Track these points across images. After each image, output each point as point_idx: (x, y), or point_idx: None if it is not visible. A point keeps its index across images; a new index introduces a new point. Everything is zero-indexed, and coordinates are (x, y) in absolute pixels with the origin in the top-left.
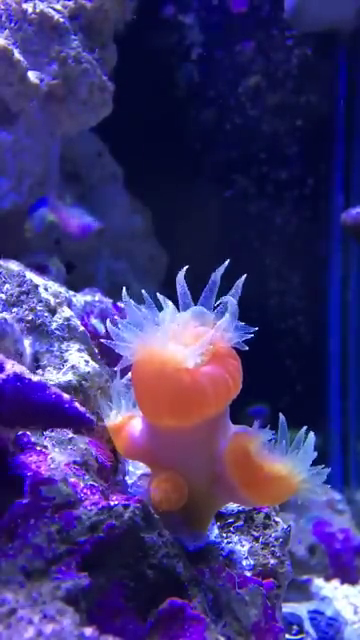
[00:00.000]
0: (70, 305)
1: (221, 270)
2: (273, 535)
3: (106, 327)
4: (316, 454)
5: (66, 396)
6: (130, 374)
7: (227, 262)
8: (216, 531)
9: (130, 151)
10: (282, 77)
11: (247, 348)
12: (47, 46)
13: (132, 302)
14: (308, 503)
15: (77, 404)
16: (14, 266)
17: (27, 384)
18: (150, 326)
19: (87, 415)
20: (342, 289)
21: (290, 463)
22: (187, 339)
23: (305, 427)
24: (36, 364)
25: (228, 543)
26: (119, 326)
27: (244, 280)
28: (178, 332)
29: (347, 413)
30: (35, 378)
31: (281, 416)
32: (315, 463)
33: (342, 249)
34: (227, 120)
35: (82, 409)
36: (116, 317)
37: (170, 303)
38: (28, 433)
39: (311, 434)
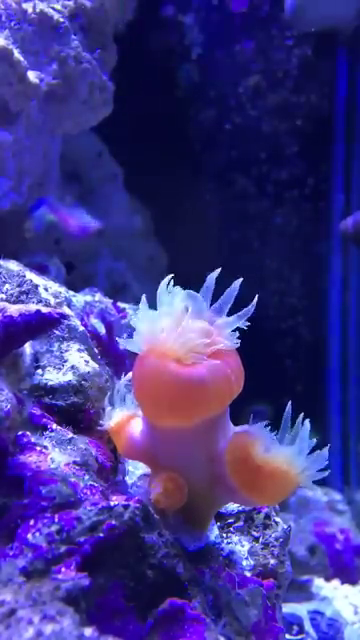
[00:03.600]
0: (70, 305)
1: (214, 275)
2: (273, 535)
3: (106, 327)
4: (314, 442)
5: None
6: (130, 374)
7: (219, 270)
8: (216, 531)
9: (130, 151)
10: (282, 77)
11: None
12: (47, 46)
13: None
14: (308, 503)
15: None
16: (14, 266)
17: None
18: (153, 322)
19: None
20: (342, 289)
21: (288, 457)
22: (195, 335)
23: (301, 415)
24: (36, 364)
25: (228, 543)
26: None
27: (240, 281)
28: (184, 327)
29: (347, 413)
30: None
31: (288, 407)
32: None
33: (342, 249)
34: (227, 120)
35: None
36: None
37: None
38: (28, 433)
39: (306, 422)
